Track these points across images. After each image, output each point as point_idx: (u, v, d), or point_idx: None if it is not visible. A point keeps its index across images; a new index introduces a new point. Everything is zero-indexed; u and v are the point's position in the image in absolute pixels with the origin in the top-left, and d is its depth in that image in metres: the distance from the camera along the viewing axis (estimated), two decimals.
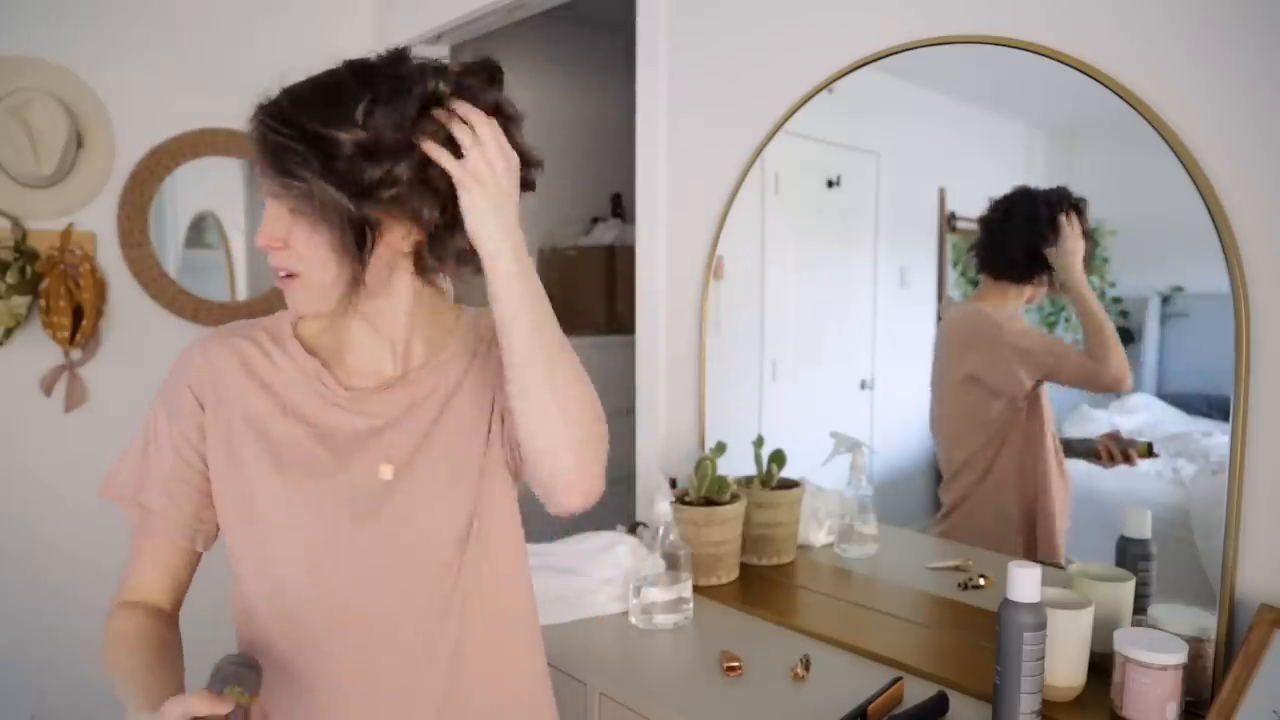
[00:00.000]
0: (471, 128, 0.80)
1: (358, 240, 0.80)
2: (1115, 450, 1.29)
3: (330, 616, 0.87)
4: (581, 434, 0.83)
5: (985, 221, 1.44)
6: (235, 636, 0.94)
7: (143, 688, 0.78)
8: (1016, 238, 1.39)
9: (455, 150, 0.80)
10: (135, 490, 0.91)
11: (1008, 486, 1.43)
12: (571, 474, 0.83)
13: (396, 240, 0.84)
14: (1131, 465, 1.28)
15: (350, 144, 0.77)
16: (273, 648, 0.88)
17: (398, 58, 0.82)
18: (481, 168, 0.79)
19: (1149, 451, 1.26)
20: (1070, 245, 1.30)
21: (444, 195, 0.81)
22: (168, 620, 0.91)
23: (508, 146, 0.81)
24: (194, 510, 0.91)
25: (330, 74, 0.82)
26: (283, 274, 0.84)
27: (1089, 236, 1.29)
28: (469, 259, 0.84)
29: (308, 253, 0.82)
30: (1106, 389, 1.34)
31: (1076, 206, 1.30)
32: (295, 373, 0.90)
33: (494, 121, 0.81)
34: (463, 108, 0.80)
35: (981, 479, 1.48)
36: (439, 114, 0.80)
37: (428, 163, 0.80)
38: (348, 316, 0.90)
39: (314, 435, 0.88)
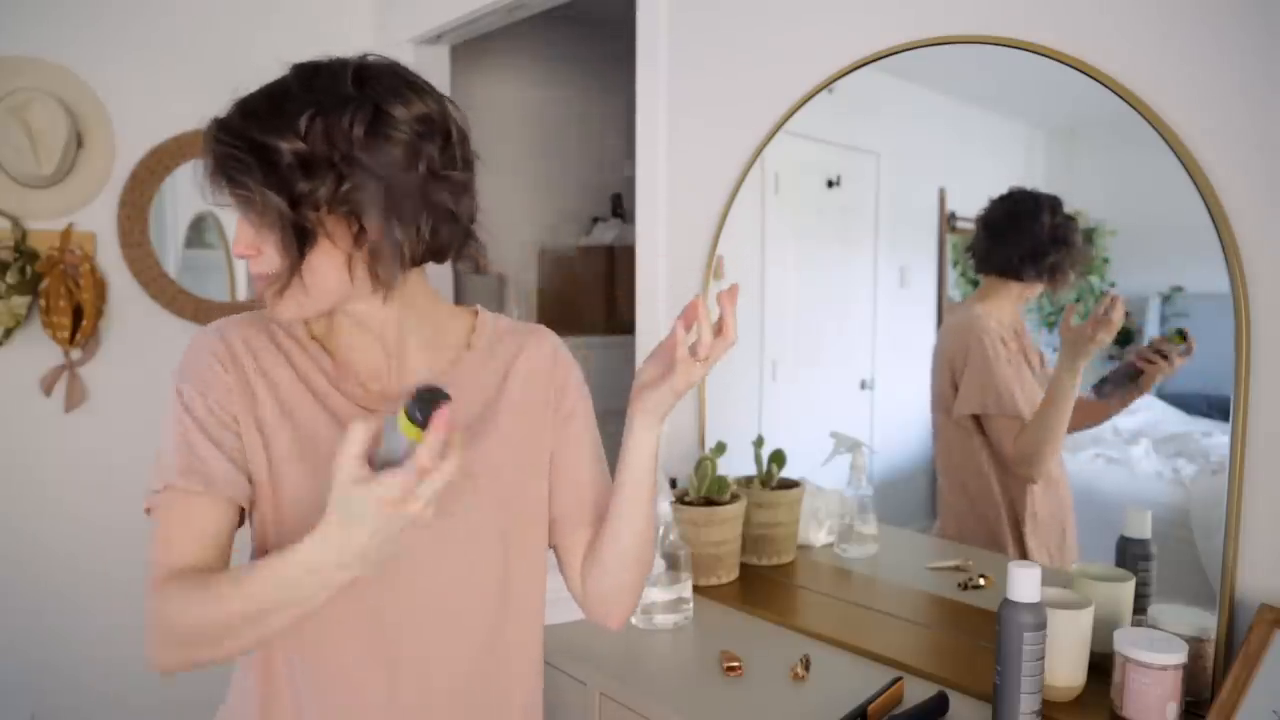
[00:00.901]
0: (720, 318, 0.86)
1: (298, 241, 0.80)
2: (1150, 355, 1.23)
3: (345, 606, 0.87)
4: (646, 576, 0.99)
5: (984, 221, 1.44)
6: None
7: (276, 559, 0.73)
8: (1018, 236, 1.39)
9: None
10: (192, 464, 0.83)
11: (995, 498, 1.43)
12: (629, 604, 0.99)
13: (345, 243, 0.82)
14: (1173, 364, 1.21)
15: (289, 153, 0.77)
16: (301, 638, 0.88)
17: (344, 65, 0.82)
18: (697, 379, 0.87)
19: (1182, 337, 1.20)
20: (1068, 335, 1.32)
21: (382, 211, 0.80)
22: None
23: None
24: (241, 465, 0.86)
25: (278, 82, 0.83)
26: (262, 281, 0.84)
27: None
28: (411, 264, 0.84)
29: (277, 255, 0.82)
30: (1010, 465, 1.40)
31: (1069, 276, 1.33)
32: (312, 369, 0.90)
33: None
34: (727, 308, 0.85)
35: (969, 486, 1.48)
36: (688, 314, 0.85)
37: (364, 180, 0.79)
38: (338, 317, 0.90)
39: (331, 422, 0.88)
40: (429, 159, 0.82)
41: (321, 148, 0.78)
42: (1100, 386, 1.30)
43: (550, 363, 0.98)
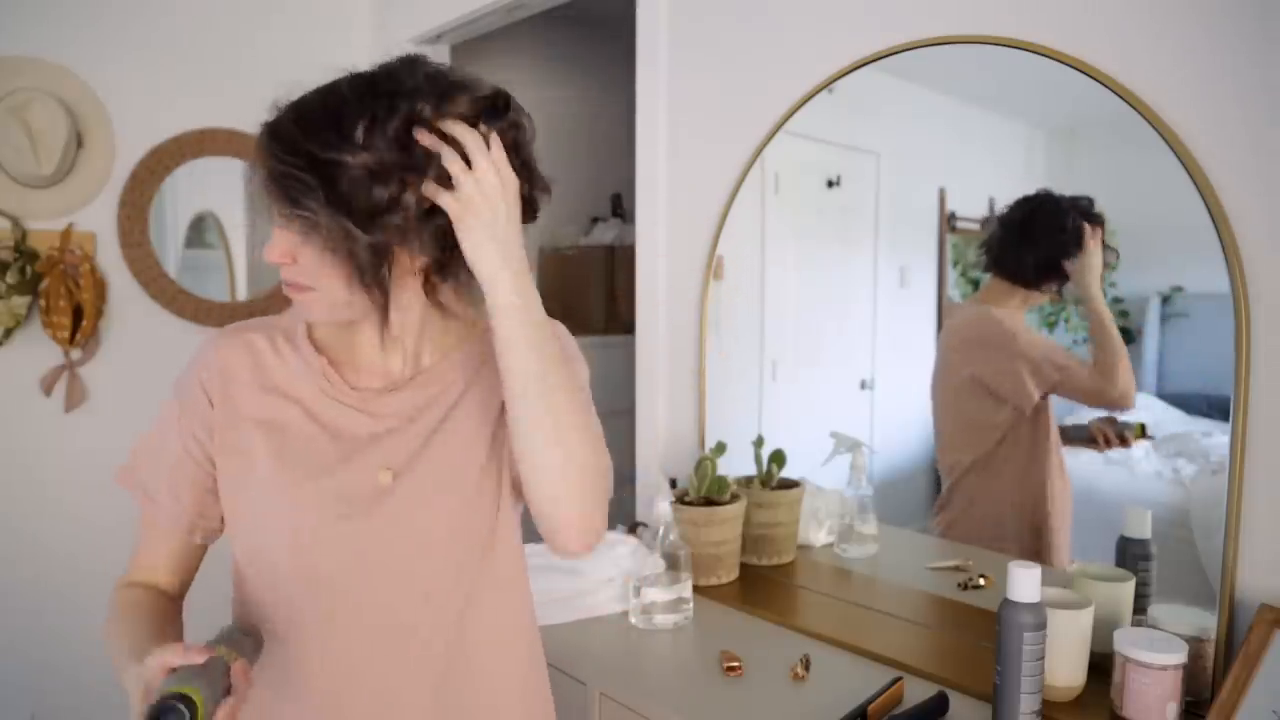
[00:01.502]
0: (460, 148, 0.78)
1: (373, 267, 0.79)
2: (1110, 434, 1.29)
3: (320, 610, 0.88)
4: (581, 470, 0.82)
5: (1004, 221, 1.41)
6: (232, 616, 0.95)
7: (139, 652, 0.78)
8: (1036, 244, 1.37)
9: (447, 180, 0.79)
10: (144, 477, 0.93)
11: (1009, 495, 1.42)
12: (572, 513, 0.83)
13: (405, 260, 0.83)
14: (1127, 448, 1.27)
15: (356, 166, 0.76)
16: (266, 632, 0.90)
17: (395, 70, 0.81)
18: (474, 194, 0.78)
19: (1143, 433, 1.25)
20: (1091, 261, 1.28)
21: (449, 220, 0.80)
22: (171, 601, 0.94)
23: (505, 165, 0.80)
24: (195, 504, 0.92)
25: (332, 91, 0.80)
26: (295, 289, 0.85)
27: (1108, 249, 1.28)
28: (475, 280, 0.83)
29: (317, 268, 0.82)
30: (1111, 406, 1.34)
31: (1098, 219, 1.28)
32: (303, 370, 0.91)
33: (483, 139, 0.79)
34: (451, 127, 0.78)
35: (982, 486, 1.48)
36: (422, 137, 0.78)
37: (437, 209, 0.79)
38: (361, 322, 0.90)
39: (318, 432, 0.89)
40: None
41: (389, 155, 0.77)
42: (1064, 430, 1.36)
43: None
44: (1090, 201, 1.29)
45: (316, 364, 0.91)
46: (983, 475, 1.47)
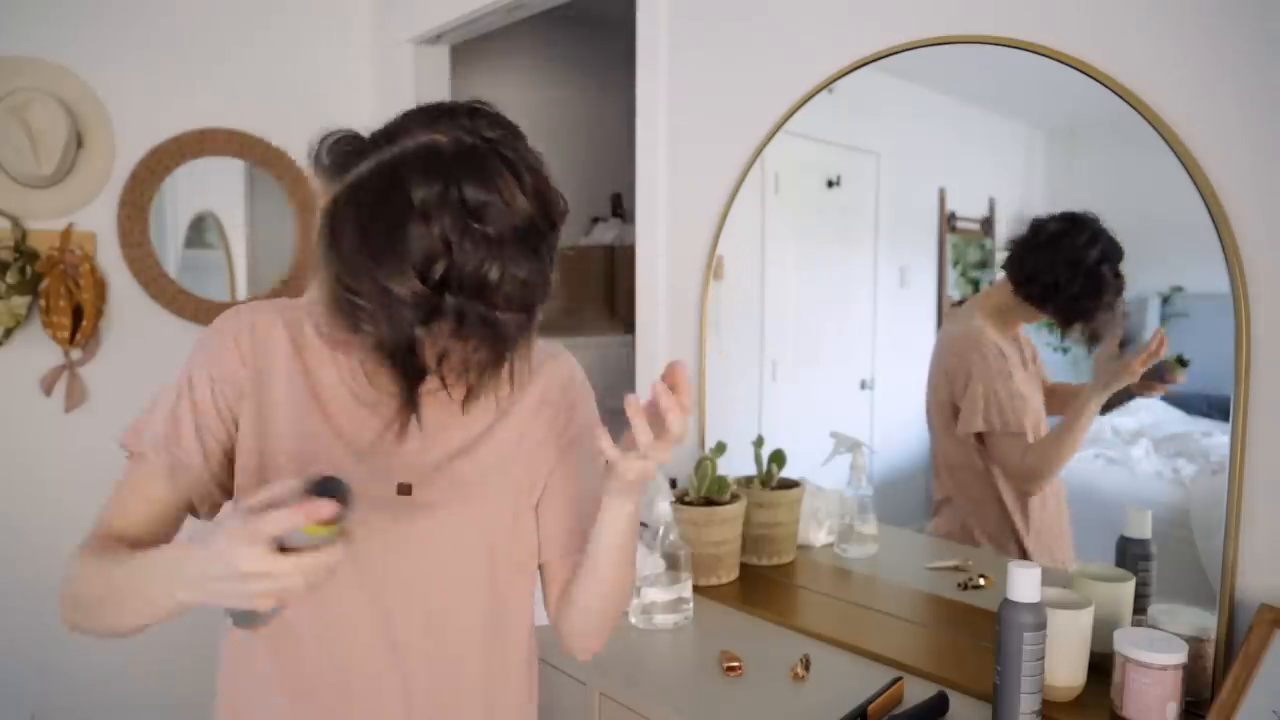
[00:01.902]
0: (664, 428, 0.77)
1: (402, 362, 0.77)
2: (1154, 385, 1.23)
3: (320, 618, 0.87)
4: (614, 625, 0.97)
5: (1035, 228, 1.34)
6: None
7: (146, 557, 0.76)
8: (1050, 265, 1.33)
9: None
10: (169, 440, 0.86)
11: (995, 502, 1.42)
12: (595, 645, 0.98)
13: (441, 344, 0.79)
14: (1179, 382, 1.20)
15: (409, 295, 0.72)
16: (264, 631, 0.88)
17: (461, 176, 0.74)
18: (649, 471, 0.82)
19: (1181, 362, 1.20)
20: (1126, 375, 1.24)
21: (490, 342, 0.77)
22: None
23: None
24: (217, 470, 0.88)
25: (397, 192, 0.73)
26: None
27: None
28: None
29: None
30: (1014, 484, 1.39)
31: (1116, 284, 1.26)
32: (331, 364, 0.89)
33: (683, 409, 0.77)
34: (674, 403, 0.76)
35: (967, 492, 1.47)
36: (631, 408, 0.77)
37: (477, 319, 0.74)
38: None
39: (338, 431, 0.88)
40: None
41: (441, 294, 0.73)
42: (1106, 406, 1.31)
43: (564, 386, 0.97)
44: (1119, 252, 1.24)
45: (346, 361, 0.89)
46: (968, 479, 1.47)
